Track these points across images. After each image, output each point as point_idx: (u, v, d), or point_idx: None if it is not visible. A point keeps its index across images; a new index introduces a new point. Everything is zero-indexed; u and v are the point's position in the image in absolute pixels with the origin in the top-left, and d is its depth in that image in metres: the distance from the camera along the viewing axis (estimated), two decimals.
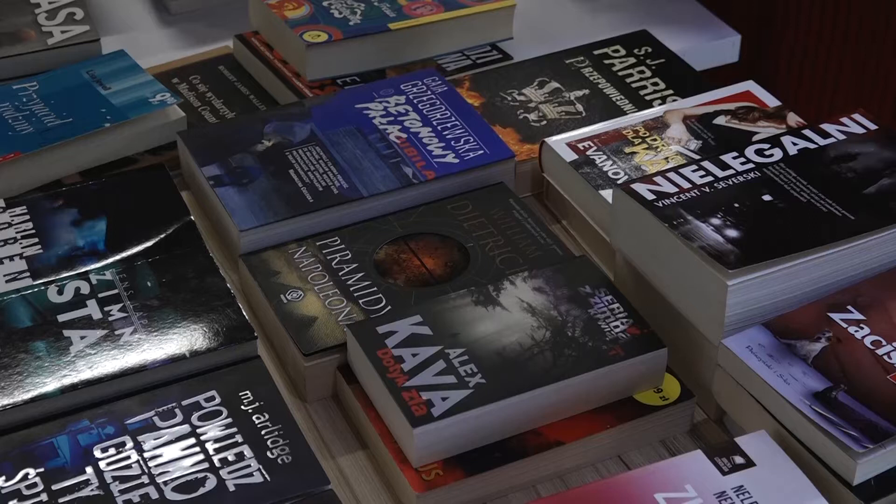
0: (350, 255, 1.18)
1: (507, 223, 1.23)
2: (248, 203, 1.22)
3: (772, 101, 1.34)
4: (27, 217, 1.24)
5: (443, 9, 1.48)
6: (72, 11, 1.52)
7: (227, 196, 1.23)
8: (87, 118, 1.35)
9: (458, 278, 1.16)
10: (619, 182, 1.22)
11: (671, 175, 1.14)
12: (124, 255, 1.19)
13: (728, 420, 1.08)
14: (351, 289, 1.15)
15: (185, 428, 1.03)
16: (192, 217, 1.24)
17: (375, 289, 1.15)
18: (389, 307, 1.13)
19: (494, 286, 1.11)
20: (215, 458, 1.00)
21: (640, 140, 1.28)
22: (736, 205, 1.09)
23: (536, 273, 1.13)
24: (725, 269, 1.02)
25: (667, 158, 1.25)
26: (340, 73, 1.44)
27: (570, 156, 1.26)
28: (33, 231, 1.22)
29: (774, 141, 1.18)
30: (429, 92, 1.37)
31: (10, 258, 1.19)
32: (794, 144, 1.17)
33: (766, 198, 1.10)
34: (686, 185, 1.12)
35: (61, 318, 1.12)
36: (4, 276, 1.17)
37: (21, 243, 1.21)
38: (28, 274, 1.17)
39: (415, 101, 1.36)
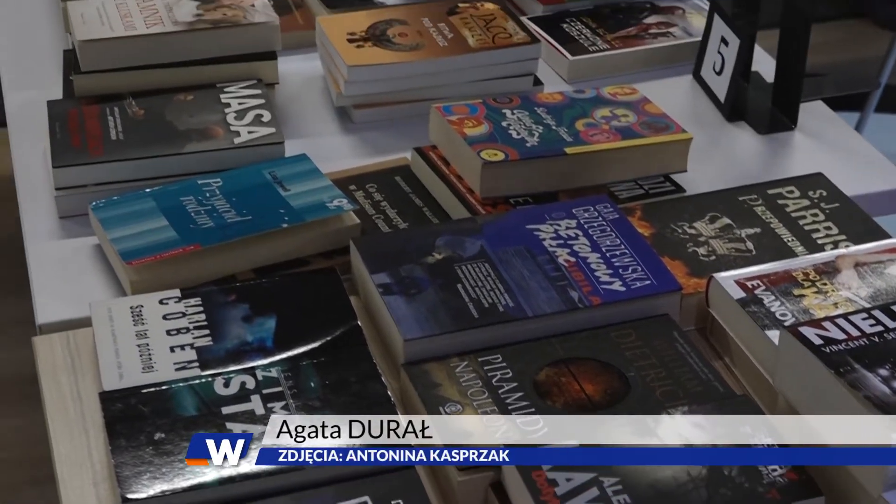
0: (511, 374, 1.19)
1: (670, 355, 1.22)
2: (414, 313, 1.24)
3: None
4: (201, 309, 1.27)
5: (619, 137, 1.50)
6: (259, 113, 1.57)
7: (395, 305, 1.25)
8: (265, 217, 1.39)
9: (617, 406, 1.16)
10: (786, 324, 1.21)
11: (840, 321, 1.12)
12: (290, 353, 1.22)
13: None
14: (509, 407, 1.15)
15: None
16: (358, 322, 1.26)
17: (533, 409, 1.15)
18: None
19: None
20: None
21: (809, 283, 1.27)
22: None
23: (696, 408, 1.12)
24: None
25: (836, 304, 1.24)
26: (514, 193, 1.46)
27: (737, 293, 1.26)
28: (205, 323, 1.25)
29: None
30: (600, 218, 1.38)
31: (182, 347, 1.22)
32: None
33: None
34: (855, 332, 1.11)
35: (225, 410, 1.14)
36: (175, 364, 1.20)
37: (193, 333, 1.24)
38: (197, 364, 1.21)
39: (585, 226, 1.37)
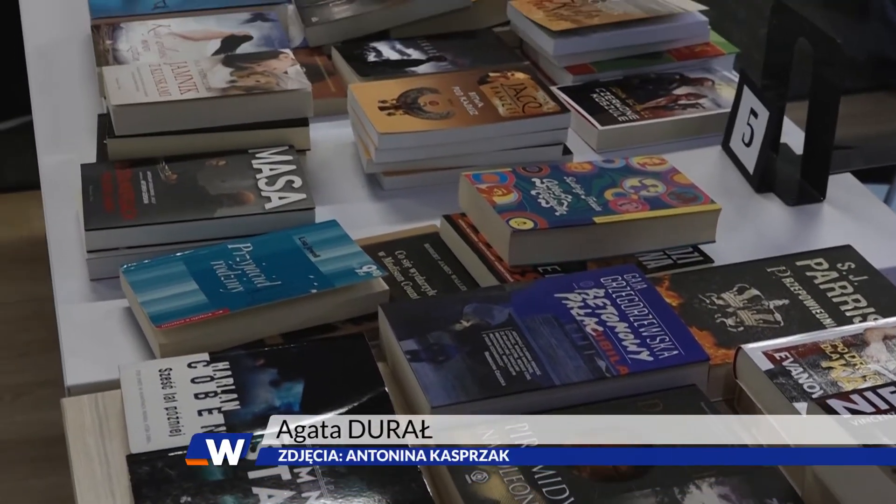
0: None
1: None
2: (441, 380, 1.24)
3: None
4: (229, 373, 1.28)
5: (648, 207, 1.50)
6: (291, 179, 1.58)
7: (423, 371, 1.25)
8: (294, 283, 1.39)
9: (644, 477, 1.16)
10: (814, 396, 1.21)
11: (868, 394, 1.12)
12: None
13: None
14: (535, 476, 1.15)
15: None
16: (385, 388, 1.27)
17: (560, 479, 1.15)
18: (572, 499, 1.13)
19: (680, 489, 1.11)
20: None
21: (838, 355, 1.27)
22: None
23: (723, 480, 1.12)
24: None
25: (864, 377, 1.24)
26: (542, 262, 1.46)
27: (765, 365, 1.26)
28: (233, 387, 1.26)
29: None
30: (628, 287, 1.38)
31: (209, 411, 1.23)
32: None
33: None
34: (883, 405, 1.11)
35: (251, 475, 1.14)
36: (202, 427, 1.21)
37: (220, 397, 1.25)
38: (224, 428, 1.21)
39: (613, 295, 1.37)
